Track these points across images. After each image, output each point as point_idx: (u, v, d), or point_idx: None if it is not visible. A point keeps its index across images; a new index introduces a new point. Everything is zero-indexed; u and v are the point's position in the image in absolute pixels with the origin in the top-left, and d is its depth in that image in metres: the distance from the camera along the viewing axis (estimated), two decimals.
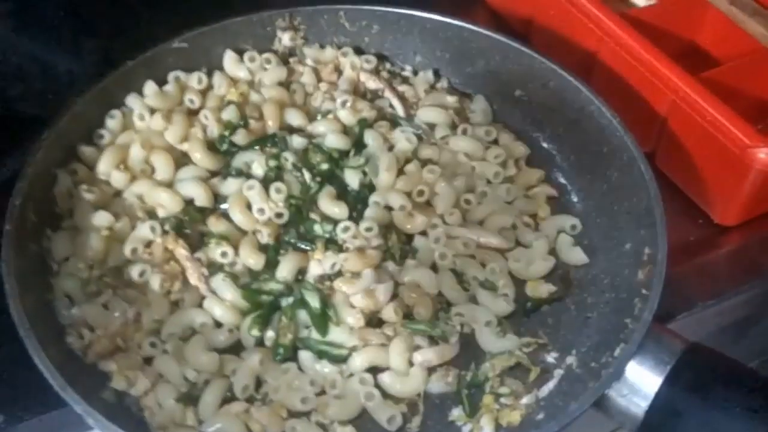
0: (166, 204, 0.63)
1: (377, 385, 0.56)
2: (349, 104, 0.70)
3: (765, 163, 0.62)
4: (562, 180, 0.69)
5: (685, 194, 0.71)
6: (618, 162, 0.63)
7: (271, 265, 0.61)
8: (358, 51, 0.75)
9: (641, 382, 0.50)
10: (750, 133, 0.63)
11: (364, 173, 0.66)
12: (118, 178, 0.63)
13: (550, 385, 0.56)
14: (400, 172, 0.67)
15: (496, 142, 0.71)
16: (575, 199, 0.67)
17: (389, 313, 0.59)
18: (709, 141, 0.66)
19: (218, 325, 0.58)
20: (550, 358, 0.58)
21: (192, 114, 0.69)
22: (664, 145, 0.71)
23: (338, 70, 0.74)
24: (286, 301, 0.59)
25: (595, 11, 0.73)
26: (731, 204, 0.68)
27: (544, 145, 0.71)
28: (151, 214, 0.63)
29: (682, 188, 0.71)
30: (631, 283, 0.56)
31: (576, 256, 0.63)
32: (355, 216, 0.64)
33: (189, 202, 0.64)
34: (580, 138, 0.67)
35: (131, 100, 0.68)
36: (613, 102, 0.66)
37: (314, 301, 0.58)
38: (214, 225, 0.63)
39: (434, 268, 0.62)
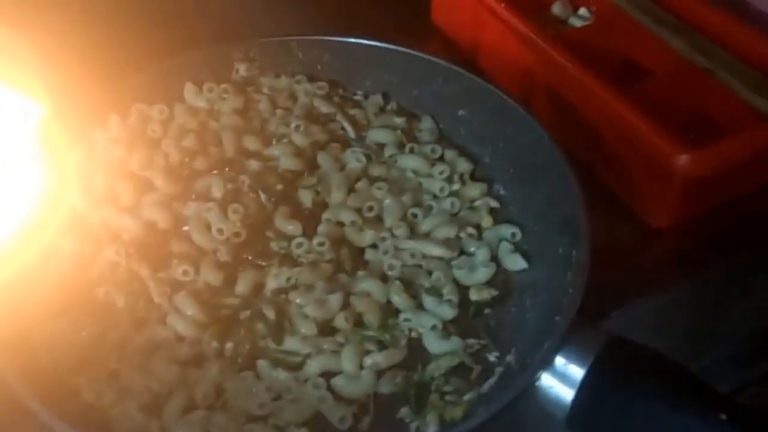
0: (131, 228, 0.67)
1: (330, 389, 0.60)
2: (302, 128, 0.74)
3: (685, 168, 0.67)
4: (503, 192, 0.73)
5: (624, 201, 0.76)
6: (551, 174, 0.67)
7: (230, 281, 0.65)
8: (312, 78, 0.80)
9: (567, 372, 0.54)
10: (671, 141, 0.68)
11: (317, 192, 0.71)
12: (84, 205, 0.67)
13: (491, 381, 0.60)
14: (351, 189, 0.71)
15: (442, 158, 0.75)
16: (514, 209, 0.72)
17: (341, 321, 0.63)
18: (638, 151, 0.71)
19: (180, 339, 0.62)
20: (492, 357, 0.62)
21: (154, 143, 0.73)
22: (601, 156, 0.76)
23: (293, 97, 0.79)
24: (244, 314, 0.63)
25: (530, 33, 0.79)
26: (661, 207, 0.73)
27: (486, 160, 0.75)
28: (116, 238, 0.67)
29: (620, 195, 0.76)
30: (562, 284, 0.61)
31: (515, 262, 0.67)
32: (309, 233, 0.68)
33: (152, 225, 0.68)
34: (517, 152, 0.72)
35: (97, 135, 0.72)
36: (553, 117, 0.71)
37: (270, 313, 0.62)
38: (176, 246, 0.67)
39: (384, 278, 0.67)
